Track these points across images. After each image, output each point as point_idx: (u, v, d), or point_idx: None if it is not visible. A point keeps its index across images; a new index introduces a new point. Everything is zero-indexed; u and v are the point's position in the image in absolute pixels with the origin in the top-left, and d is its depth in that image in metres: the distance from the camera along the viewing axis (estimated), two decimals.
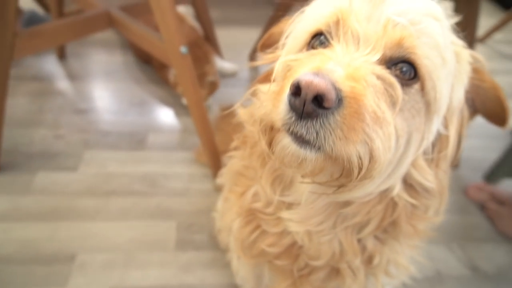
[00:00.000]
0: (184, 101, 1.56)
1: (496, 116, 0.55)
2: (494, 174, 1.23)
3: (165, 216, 1.17)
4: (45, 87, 1.63)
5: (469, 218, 1.26)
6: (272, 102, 0.41)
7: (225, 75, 1.76)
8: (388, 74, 0.42)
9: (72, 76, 1.70)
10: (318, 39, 0.48)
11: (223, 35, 1.92)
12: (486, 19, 2.52)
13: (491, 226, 1.24)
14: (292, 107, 0.38)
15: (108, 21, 1.23)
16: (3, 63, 1.05)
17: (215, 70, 1.63)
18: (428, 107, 0.46)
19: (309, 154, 0.40)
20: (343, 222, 0.56)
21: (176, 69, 1.08)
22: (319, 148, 0.38)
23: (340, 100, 0.37)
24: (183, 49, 1.02)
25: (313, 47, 0.49)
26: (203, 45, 1.65)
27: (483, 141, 1.29)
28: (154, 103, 1.61)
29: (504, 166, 1.21)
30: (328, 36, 0.46)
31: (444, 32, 0.46)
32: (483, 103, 0.55)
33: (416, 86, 0.45)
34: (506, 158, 1.20)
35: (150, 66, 1.76)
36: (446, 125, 0.51)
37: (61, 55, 1.77)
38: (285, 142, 0.41)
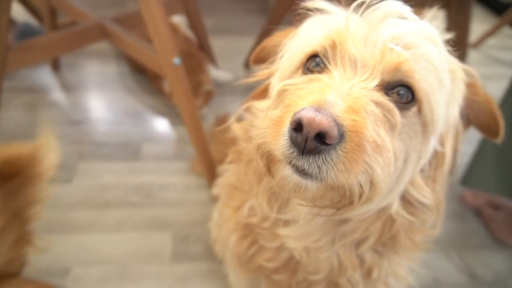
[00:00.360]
0: None
1: (489, 129, 0.56)
2: (468, 178, 1.23)
3: (160, 227, 1.16)
4: (39, 98, 1.62)
5: (466, 225, 1.26)
6: (271, 132, 0.41)
7: (220, 84, 1.76)
8: (387, 101, 0.42)
9: (66, 88, 1.69)
10: (314, 61, 0.48)
11: (217, 43, 1.92)
12: (479, 25, 2.55)
13: (488, 232, 1.24)
14: (294, 142, 0.38)
15: (101, 33, 1.23)
16: None
17: (210, 79, 1.63)
18: (425, 128, 0.46)
19: (310, 184, 0.40)
20: (341, 238, 0.56)
21: (169, 80, 1.07)
22: (321, 180, 0.39)
23: (342, 135, 0.37)
24: (176, 60, 1.02)
25: (309, 69, 0.48)
26: (197, 54, 1.65)
27: (476, 146, 1.29)
28: (148, 114, 1.60)
29: (475, 171, 1.20)
30: (325, 60, 0.46)
31: (441, 54, 0.46)
32: (477, 116, 0.56)
33: (414, 109, 0.45)
34: (476, 162, 1.21)
35: (145, 77, 1.75)
36: (442, 142, 0.51)
37: (55, 66, 1.77)
38: (286, 172, 0.41)
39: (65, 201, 1.20)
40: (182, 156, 1.41)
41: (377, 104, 0.42)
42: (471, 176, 1.22)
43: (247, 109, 0.60)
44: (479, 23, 2.62)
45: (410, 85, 0.44)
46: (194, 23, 1.63)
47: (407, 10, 0.46)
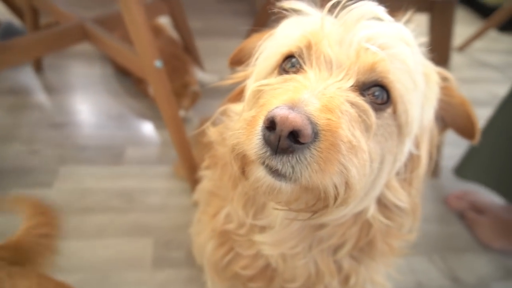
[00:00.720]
0: None
1: (466, 131, 0.56)
2: (462, 168, 1.23)
3: (142, 233, 1.13)
4: (21, 100, 1.58)
5: (449, 228, 1.26)
6: (245, 132, 0.40)
7: (205, 86, 1.74)
8: (362, 101, 0.42)
9: (49, 89, 1.66)
10: (289, 62, 0.48)
11: (205, 45, 1.91)
12: (465, 28, 2.57)
13: (471, 236, 1.24)
14: (267, 141, 0.37)
15: (82, 34, 1.21)
16: None
17: (196, 79, 1.62)
18: (400, 130, 0.46)
19: (284, 186, 0.39)
20: (319, 244, 0.55)
21: (151, 83, 1.06)
22: (295, 181, 0.38)
23: (316, 134, 0.36)
24: (158, 63, 1.00)
25: (284, 70, 0.48)
26: (183, 56, 1.63)
27: (463, 150, 1.30)
28: (132, 116, 1.58)
29: (471, 163, 1.21)
30: (300, 60, 0.46)
31: (415, 56, 0.46)
32: (453, 119, 0.56)
33: (389, 110, 0.45)
34: (473, 153, 1.21)
35: (129, 79, 1.73)
36: (417, 145, 0.51)
37: (38, 67, 1.73)
38: (260, 174, 0.40)
39: None
40: (166, 160, 1.39)
41: (352, 104, 0.41)
42: (464, 168, 1.22)
43: (223, 112, 0.59)
44: (465, 26, 2.65)
45: (385, 85, 0.44)
46: (179, 25, 1.61)
47: (382, 11, 0.46)
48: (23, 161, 1.31)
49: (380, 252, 0.56)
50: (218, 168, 0.59)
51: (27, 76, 1.72)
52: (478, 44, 2.47)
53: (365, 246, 0.56)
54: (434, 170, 1.42)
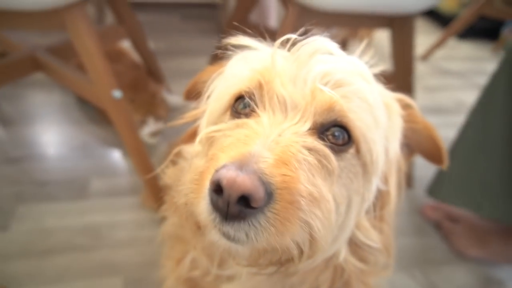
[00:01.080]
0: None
1: (433, 155, 0.55)
2: (434, 189, 1.24)
3: (110, 272, 1.06)
4: None
5: (426, 240, 1.26)
6: (193, 191, 0.36)
7: (173, 109, 1.69)
8: (321, 145, 0.39)
9: (4, 121, 1.56)
10: (242, 102, 0.44)
11: (170, 66, 1.86)
12: (426, 37, 2.65)
13: (448, 246, 1.24)
14: (215, 206, 0.33)
15: (34, 65, 1.13)
16: None
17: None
18: (365, 168, 0.43)
19: (241, 249, 0.36)
20: None
21: (110, 114, 1.00)
22: (251, 244, 0.34)
23: (270, 194, 0.32)
24: (116, 93, 0.95)
25: (237, 111, 0.44)
26: (146, 79, 1.59)
27: None
28: (97, 145, 1.50)
29: (441, 184, 1.22)
30: (252, 103, 0.42)
31: (373, 89, 0.43)
32: (419, 144, 0.54)
33: (351, 150, 0.42)
34: (442, 175, 1.22)
35: (92, 106, 1.65)
36: (385, 181, 0.48)
37: None
38: (213, 237, 0.36)
39: (0, 252, 1.07)
40: (134, 190, 1.32)
41: (311, 150, 0.38)
42: (436, 188, 1.22)
43: (178, 155, 0.54)
44: (425, 35, 2.73)
45: (344, 124, 0.41)
46: (140, 48, 1.55)
47: (334, 47, 0.43)
48: None
49: None
50: (178, 214, 0.54)
51: None
52: (440, 53, 2.55)
53: (341, 287, 0.53)
54: (408, 181, 1.42)
